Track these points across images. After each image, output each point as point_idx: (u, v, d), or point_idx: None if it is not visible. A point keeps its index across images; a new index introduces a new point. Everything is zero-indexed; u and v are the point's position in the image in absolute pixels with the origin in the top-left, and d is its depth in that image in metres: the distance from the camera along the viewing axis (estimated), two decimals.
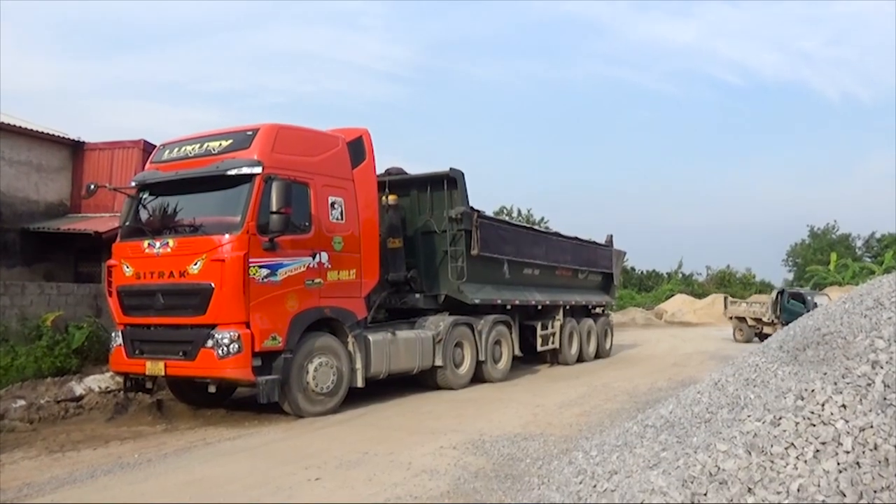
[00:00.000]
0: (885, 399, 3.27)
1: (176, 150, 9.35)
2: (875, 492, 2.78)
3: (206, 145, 9.02)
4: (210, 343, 8.16)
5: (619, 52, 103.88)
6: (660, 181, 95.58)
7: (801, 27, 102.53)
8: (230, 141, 8.87)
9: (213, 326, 8.23)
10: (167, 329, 8.72)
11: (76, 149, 16.52)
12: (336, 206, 9.46)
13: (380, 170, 11.00)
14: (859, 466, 2.91)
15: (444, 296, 11.91)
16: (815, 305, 22.45)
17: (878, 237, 53.20)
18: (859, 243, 55.67)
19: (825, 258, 49.09)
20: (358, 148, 10.09)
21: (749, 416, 3.63)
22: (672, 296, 46.49)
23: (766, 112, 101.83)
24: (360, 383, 9.64)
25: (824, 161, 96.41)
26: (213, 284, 8.18)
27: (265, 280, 8.36)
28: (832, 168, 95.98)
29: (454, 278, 11.71)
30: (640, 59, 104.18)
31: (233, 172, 8.51)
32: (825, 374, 3.70)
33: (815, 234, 57.45)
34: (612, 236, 18.72)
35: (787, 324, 22.30)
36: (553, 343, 14.79)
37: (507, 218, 31.56)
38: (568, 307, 15.53)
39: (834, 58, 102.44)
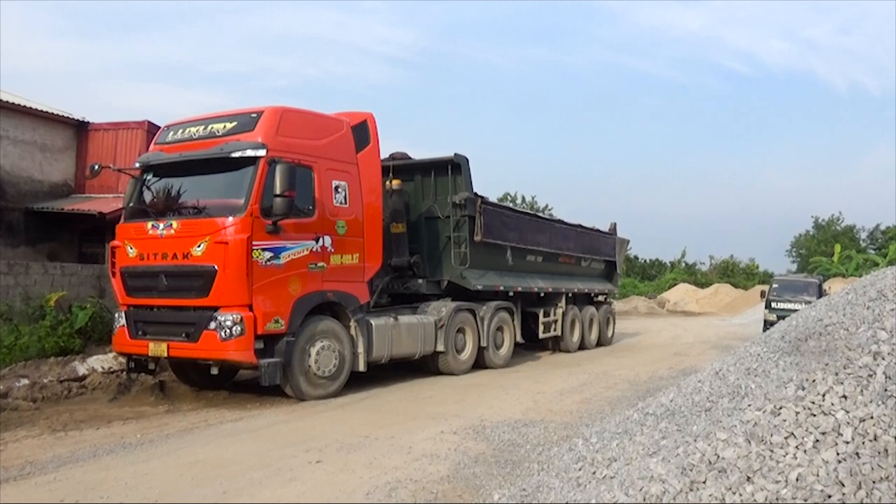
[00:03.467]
0: (885, 390, 3.27)
1: (180, 131, 9.34)
2: (874, 482, 2.78)
3: (210, 127, 9.01)
4: (213, 325, 8.19)
5: (624, 39, 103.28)
6: (664, 169, 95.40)
7: (809, 15, 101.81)
8: (234, 123, 8.86)
9: (215, 308, 8.25)
10: (170, 310, 8.74)
11: (80, 129, 16.52)
12: (340, 189, 9.45)
13: (384, 154, 10.98)
14: (859, 457, 2.91)
15: (447, 281, 11.92)
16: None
17: (882, 229, 52.99)
18: (864, 235, 55.45)
19: (829, 249, 48.97)
20: (362, 132, 10.06)
21: (749, 406, 3.63)
22: (675, 285, 46.50)
23: (772, 101, 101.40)
24: (361, 367, 9.67)
25: (830, 151, 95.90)
26: (216, 267, 8.19)
27: (268, 263, 8.37)
28: (838, 158, 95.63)
29: (457, 264, 11.72)
30: (646, 46, 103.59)
31: (237, 155, 8.50)
32: (826, 364, 3.70)
33: (820, 225, 57.24)
34: (615, 224, 18.70)
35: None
36: (555, 330, 14.82)
37: (510, 204, 31.48)
38: (570, 295, 15.54)
39: (842, 47, 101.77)
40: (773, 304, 20.47)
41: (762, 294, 24.86)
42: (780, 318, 19.32)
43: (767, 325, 19.95)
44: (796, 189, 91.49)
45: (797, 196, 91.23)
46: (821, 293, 20.25)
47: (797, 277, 24.45)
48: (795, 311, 19.61)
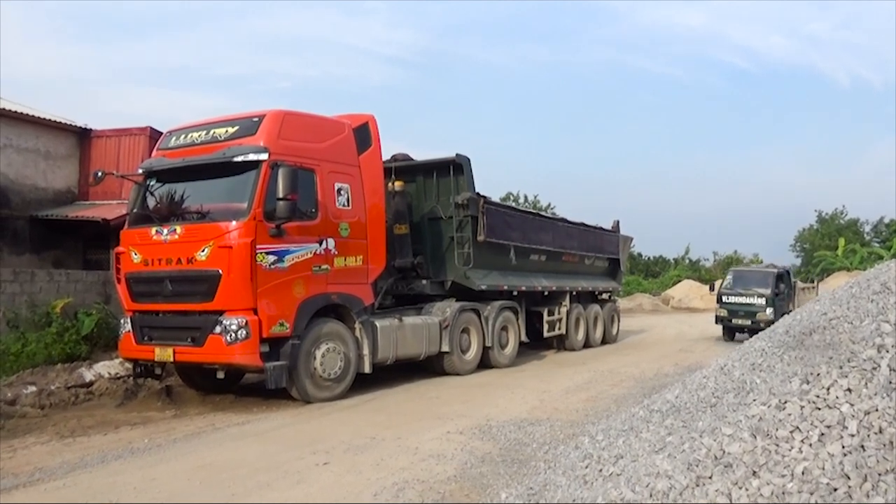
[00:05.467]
0: (890, 383, 3.27)
1: (182, 136, 9.37)
2: (879, 475, 2.79)
3: (212, 132, 9.04)
4: (218, 329, 8.22)
5: (625, 36, 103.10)
6: (667, 166, 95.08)
7: (810, 11, 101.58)
8: (236, 127, 8.89)
9: (221, 313, 8.28)
10: (175, 315, 8.77)
11: (83, 136, 16.55)
12: (342, 192, 9.47)
13: (386, 156, 11.00)
14: (864, 450, 2.92)
15: (451, 282, 11.93)
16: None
17: (886, 222, 52.76)
18: (867, 228, 55.19)
19: (833, 243, 48.79)
20: (364, 134, 10.08)
21: (755, 401, 3.64)
22: (679, 281, 46.35)
23: (775, 96, 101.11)
24: (367, 369, 9.69)
25: (833, 145, 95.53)
26: (220, 271, 8.21)
27: (272, 266, 8.40)
28: (841, 152, 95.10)
29: (460, 264, 11.73)
30: (647, 43, 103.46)
31: (239, 159, 8.53)
32: (831, 358, 3.71)
33: (824, 220, 56.98)
34: (618, 222, 18.68)
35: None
36: (559, 329, 14.82)
37: (513, 204, 31.50)
38: (574, 293, 15.55)
39: (844, 42, 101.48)
40: (724, 299, 18.75)
41: (711, 287, 23.33)
42: (731, 313, 18.30)
43: (719, 320, 18.89)
44: (799, 184, 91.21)
45: (800, 191, 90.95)
46: (779, 284, 18.58)
47: (756, 267, 22.30)
48: (749, 304, 18.59)
